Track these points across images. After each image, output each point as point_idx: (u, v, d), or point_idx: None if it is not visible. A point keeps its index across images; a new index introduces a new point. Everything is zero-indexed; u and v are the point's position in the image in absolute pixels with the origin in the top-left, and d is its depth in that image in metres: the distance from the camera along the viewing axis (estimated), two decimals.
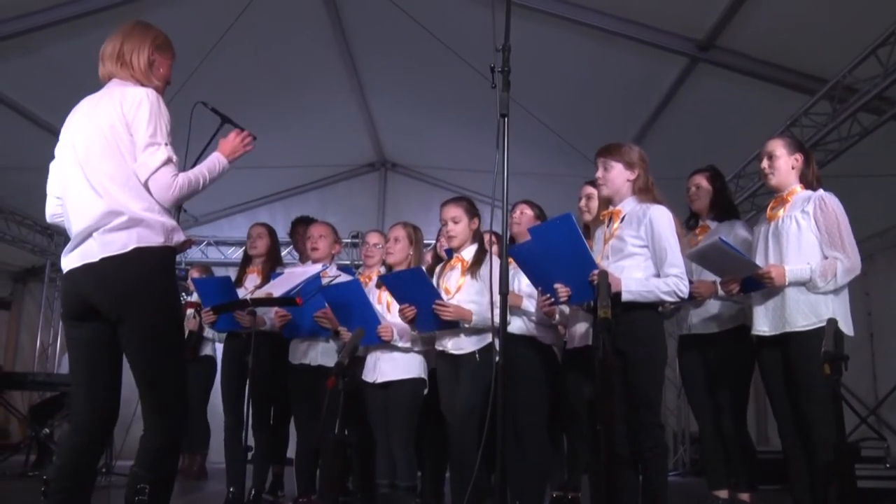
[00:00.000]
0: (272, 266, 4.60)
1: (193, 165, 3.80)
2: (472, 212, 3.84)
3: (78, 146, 2.46)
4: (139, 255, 2.36)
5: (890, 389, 6.27)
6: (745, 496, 3.72)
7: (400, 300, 3.76)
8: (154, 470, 2.35)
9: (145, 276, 2.37)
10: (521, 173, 6.33)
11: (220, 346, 5.37)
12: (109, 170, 2.40)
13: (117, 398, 2.49)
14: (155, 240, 2.40)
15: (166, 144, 2.46)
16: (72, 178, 2.47)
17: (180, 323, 2.56)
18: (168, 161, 2.44)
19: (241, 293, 4.37)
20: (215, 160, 2.67)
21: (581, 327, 3.30)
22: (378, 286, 4.13)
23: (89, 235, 2.39)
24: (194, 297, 5.34)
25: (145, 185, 2.42)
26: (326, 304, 4.10)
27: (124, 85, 2.53)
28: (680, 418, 8.56)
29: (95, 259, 2.36)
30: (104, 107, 2.47)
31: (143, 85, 2.54)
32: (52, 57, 5.66)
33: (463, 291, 3.70)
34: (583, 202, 4.00)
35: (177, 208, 2.98)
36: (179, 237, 2.49)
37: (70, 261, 2.43)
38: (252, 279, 4.56)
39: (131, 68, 2.55)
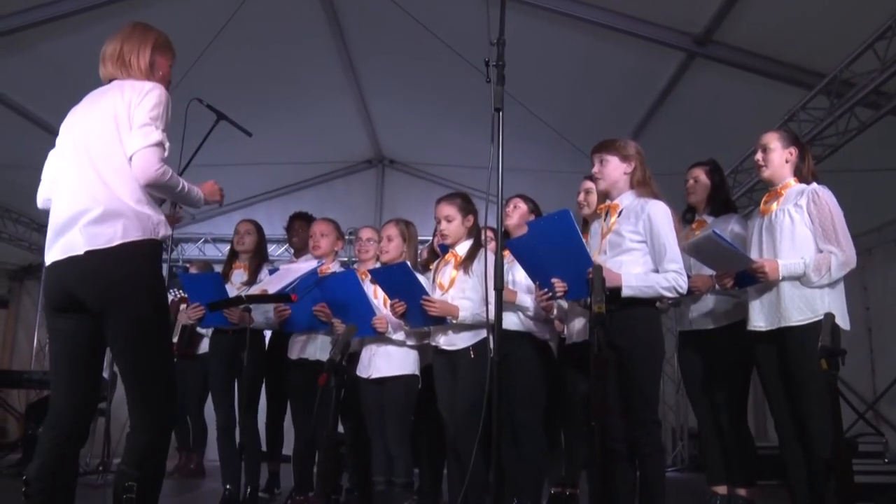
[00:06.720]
0: (259, 262, 4.59)
1: (189, 161, 3.80)
2: (467, 209, 3.78)
3: (77, 136, 2.48)
4: (124, 249, 2.35)
5: (888, 384, 6.29)
6: (743, 491, 3.70)
7: (391, 295, 3.76)
8: (141, 467, 2.33)
9: (130, 270, 2.37)
10: (519, 169, 6.35)
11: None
12: (103, 161, 2.41)
13: (97, 393, 2.49)
14: (140, 233, 2.39)
15: (163, 131, 2.46)
16: (65, 166, 2.48)
17: (167, 317, 2.54)
18: (160, 144, 2.44)
19: (228, 288, 4.35)
20: (196, 189, 2.67)
21: (579, 322, 3.28)
22: (372, 282, 4.11)
23: (73, 225, 2.38)
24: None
25: (129, 159, 2.41)
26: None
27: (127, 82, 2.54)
28: (679, 414, 8.57)
29: (80, 252, 2.35)
30: (108, 99, 2.48)
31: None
32: (46, 54, 5.64)
33: (455, 286, 3.69)
34: (581, 196, 4.00)
35: (172, 204, 2.98)
36: (166, 231, 2.48)
37: (53, 254, 2.42)
38: (238, 275, 4.55)
39: (132, 69, 2.57)
